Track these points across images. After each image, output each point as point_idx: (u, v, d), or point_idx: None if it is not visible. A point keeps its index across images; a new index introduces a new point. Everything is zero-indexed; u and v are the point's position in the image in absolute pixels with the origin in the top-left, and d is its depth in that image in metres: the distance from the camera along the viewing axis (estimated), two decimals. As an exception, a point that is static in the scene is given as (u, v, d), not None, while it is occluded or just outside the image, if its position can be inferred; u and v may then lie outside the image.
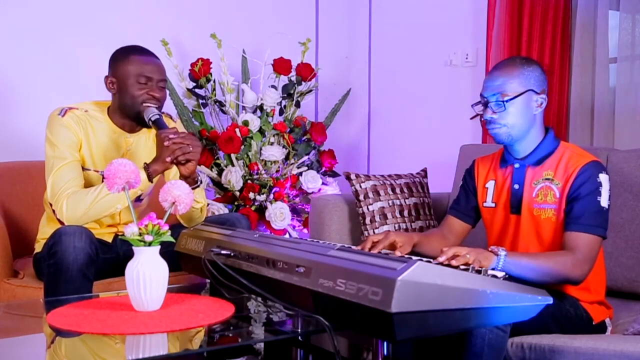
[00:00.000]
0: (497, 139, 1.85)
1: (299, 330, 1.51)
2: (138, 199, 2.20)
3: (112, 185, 1.59)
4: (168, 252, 1.66)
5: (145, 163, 2.01)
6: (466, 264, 1.45)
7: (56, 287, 1.83)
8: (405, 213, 2.60)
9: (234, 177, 2.91)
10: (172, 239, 1.53)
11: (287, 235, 2.97)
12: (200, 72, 2.94)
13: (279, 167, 3.02)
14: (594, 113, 2.71)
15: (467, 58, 3.21)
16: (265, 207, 2.93)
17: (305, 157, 3.10)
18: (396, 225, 2.56)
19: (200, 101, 3.04)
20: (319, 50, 3.61)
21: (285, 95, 3.09)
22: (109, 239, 2.17)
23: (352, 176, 2.59)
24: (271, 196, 2.95)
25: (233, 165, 2.95)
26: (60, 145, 2.03)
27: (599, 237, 1.72)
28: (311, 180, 3.04)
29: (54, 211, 1.99)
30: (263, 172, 2.95)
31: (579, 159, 1.79)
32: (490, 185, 1.96)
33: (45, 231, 2.12)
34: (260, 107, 3.02)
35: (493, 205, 1.94)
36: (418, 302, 1.19)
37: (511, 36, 2.83)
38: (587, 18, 2.70)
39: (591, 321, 1.80)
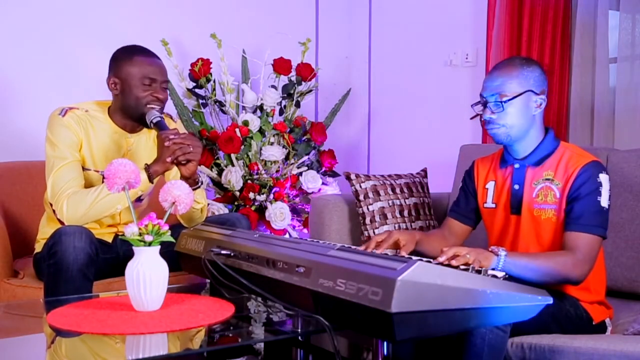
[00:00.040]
0: (496, 139, 1.85)
1: (299, 330, 1.51)
2: (138, 199, 2.20)
3: (112, 185, 1.59)
4: (168, 252, 1.66)
5: (146, 164, 2.01)
6: (466, 264, 1.45)
7: (56, 287, 1.83)
8: (405, 213, 2.60)
9: (234, 177, 2.91)
10: (172, 239, 1.53)
11: (287, 235, 2.97)
12: (200, 72, 2.94)
13: (279, 167, 3.02)
14: (594, 113, 2.71)
15: (467, 58, 3.21)
16: (265, 207, 2.93)
17: (305, 157, 3.10)
18: (396, 225, 2.55)
19: (200, 101, 3.04)
20: (319, 50, 3.61)
21: (285, 95, 3.09)
22: (109, 239, 2.17)
23: (352, 176, 2.59)
24: (271, 196, 2.95)
25: (233, 165, 2.95)
26: (61, 145, 2.03)
27: (599, 237, 1.72)
28: (311, 180, 3.04)
29: (54, 211, 1.99)
30: (263, 172, 2.95)
31: (579, 159, 1.79)
32: (491, 186, 1.95)
33: (45, 231, 2.12)
34: (260, 107, 3.02)
35: (493, 206, 1.94)
36: (418, 302, 1.19)
37: (511, 36, 2.83)
38: (587, 18, 2.70)
39: (591, 321, 1.80)
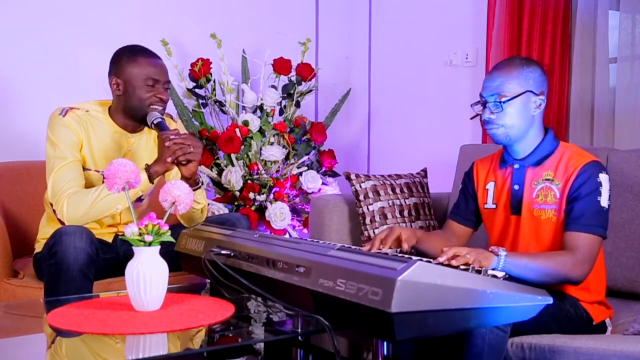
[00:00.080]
0: (495, 139, 1.85)
1: (299, 330, 1.51)
2: (139, 200, 2.20)
3: (112, 185, 1.59)
4: (168, 252, 1.66)
5: (146, 164, 2.01)
6: (466, 264, 1.45)
7: (56, 287, 1.83)
8: (405, 213, 2.60)
9: (234, 177, 2.91)
10: (172, 239, 1.53)
11: (287, 235, 2.97)
12: (200, 72, 2.94)
13: (279, 167, 3.02)
14: (594, 113, 2.71)
15: (467, 58, 3.21)
16: (265, 207, 2.93)
17: (305, 157, 3.10)
18: (396, 225, 2.55)
19: (200, 101, 3.04)
20: (319, 50, 3.61)
21: (285, 95, 3.09)
22: (109, 239, 2.17)
23: (352, 176, 2.59)
24: (271, 196, 2.95)
25: (233, 165, 2.95)
26: (61, 145, 2.03)
27: (599, 237, 1.72)
28: (311, 180, 3.04)
29: (54, 211, 1.99)
30: (263, 172, 2.95)
31: (578, 159, 1.79)
32: (491, 186, 1.95)
33: (45, 231, 2.12)
34: (260, 107, 3.02)
35: (494, 206, 1.94)
36: (418, 302, 1.19)
37: (511, 36, 2.83)
38: (587, 18, 2.70)
39: (591, 321, 1.80)
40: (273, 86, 3.06)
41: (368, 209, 2.54)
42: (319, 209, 2.63)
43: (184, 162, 2.01)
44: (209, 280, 1.70)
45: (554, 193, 1.80)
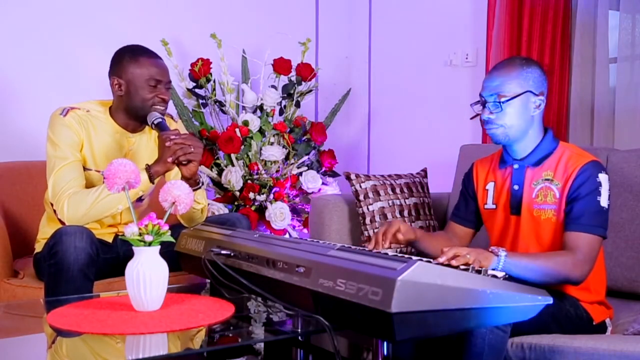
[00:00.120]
0: (495, 139, 1.85)
1: (299, 330, 1.51)
2: (139, 200, 2.20)
3: (112, 185, 1.59)
4: (168, 252, 1.66)
5: (147, 164, 2.01)
6: (466, 264, 1.45)
7: (57, 287, 1.83)
8: (405, 213, 2.60)
9: (234, 177, 2.91)
10: (172, 239, 1.53)
11: (287, 235, 2.97)
12: (200, 72, 2.94)
13: (279, 167, 3.02)
14: (594, 113, 2.71)
15: (467, 58, 3.21)
16: (265, 207, 2.93)
17: (305, 157, 3.10)
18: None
19: (200, 101, 3.04)
20: (319, 50, 3.61)
21: (285, 95, 3.09)
22: (109, 239, 2.17)
23: (352, 176, 2.59)
24: (271, 196, 2.95)
25: (233, 165, 2.95)
26: (62, 145, 2.03)
27: (599, 237, 1.72)
28: (311, 180, 3.04)
29: (55, 211, 1.99)
30: (263, 172, 2.95)
31: (578, 159, 1.79)
32: (490, 187, 1.95)
33: (45, 231, 2.12)
34: (260, 107, 3.02)
35: (494, 206, 1.94)
36: (418, 302, 1.19)
37: (511, 36, 2.83)
38: (587, 18, 2.70)
39: (591, 321, 1.80)
40: (273, 86, 3.06)
41: (368, 209, 2.54)
42: (319, 209, 2.63)
43: (184, 162, 2.01)
44: (209, 280, 1.70)
45: (553, 193, 1.80)
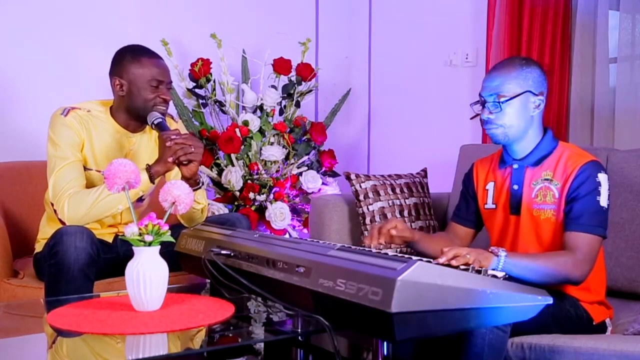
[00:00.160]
0: (494, 139, 1.85)
1: (299, 330, 1.51)
2: (140, 200, 2.20)
3: (112, 185, 1.59)
4: (168, 252, 1.66)
5: (147, 164, 2.01)
6: (466, 264, 1.45)
7: (57, 287, 1.83)
8: (405, 213, 2.60)
9: (234, 177, 2.91)
10: (172, 239, 1.53)
11: (287, 235, 2.97)
12: (200, 72, 2.94)
13: (279, 167, 3.02)
14: (594, 113, 2.71)
15: (467, 58, 3.21)
16: (265, 207, 2.93)
17: (305, 157, 3.10)
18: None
19: (200, 101, 3.04)
20: (319, 50, 3.61)
21: (285, 95, 3.09)
22: (109, 239, 2.17)
23: (352, 176, 2.59)
24: (271, 196, 2.95)
25: (233, 165, 2.95)
26: (63, 145, 2.03)
27: (599, 237, 1.72)
28: (311, 180, 3.04)
29: (55, 211, 1.99)
30: (263, 172, 2.95)
31: (577, 158, 1.79)
32: (490, 186, 1.96)
33: (45, 231, 2.12)
34: (260, 107, 3.02)
35: (493, 206, 1.94)
36: (418, 302, 1.19)
37: (511, 36, 2.83)
38: (587, 18, 2.70)
39: (591, 321, 1.80)
40: (273, 86, 3.06)
41: (368, 209, 2.55)
42: (319, 209, 2.63)
43: (185, 162, 2.01)
44: (209, 280, 1.70)
45: (552, 193, 1.80)
